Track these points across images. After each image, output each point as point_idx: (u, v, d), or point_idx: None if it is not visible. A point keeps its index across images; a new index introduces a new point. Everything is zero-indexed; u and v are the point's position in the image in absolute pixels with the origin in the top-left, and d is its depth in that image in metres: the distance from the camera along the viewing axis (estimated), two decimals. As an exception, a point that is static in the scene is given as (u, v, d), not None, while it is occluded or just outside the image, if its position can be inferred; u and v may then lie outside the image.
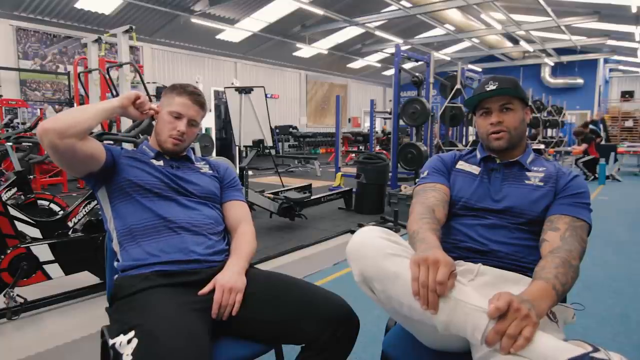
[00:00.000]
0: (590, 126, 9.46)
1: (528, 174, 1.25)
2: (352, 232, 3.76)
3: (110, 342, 1.02)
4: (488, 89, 1.23)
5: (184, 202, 1.30)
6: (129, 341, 0.97)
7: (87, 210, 2.58)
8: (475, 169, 1.31)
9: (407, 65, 7.15)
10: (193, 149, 1.50)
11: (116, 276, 1.23)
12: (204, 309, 1.10)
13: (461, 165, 1.35)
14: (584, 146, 8.82)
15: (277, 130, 12.87)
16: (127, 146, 1.87)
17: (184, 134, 1.33)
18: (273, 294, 1.17)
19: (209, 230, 1.29)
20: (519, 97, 1.24)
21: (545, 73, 17.85)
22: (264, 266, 1.30)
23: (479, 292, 0.92)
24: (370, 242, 0.99)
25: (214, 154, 7.40)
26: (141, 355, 0.94)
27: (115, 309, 1.14)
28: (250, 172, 5.70)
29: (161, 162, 1.35)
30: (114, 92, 5.31)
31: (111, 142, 2.48)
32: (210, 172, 1.43)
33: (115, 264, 1.25)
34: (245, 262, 1.25)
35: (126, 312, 1.07)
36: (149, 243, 1.19)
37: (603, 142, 10.33)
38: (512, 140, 1.24)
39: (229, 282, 1.14)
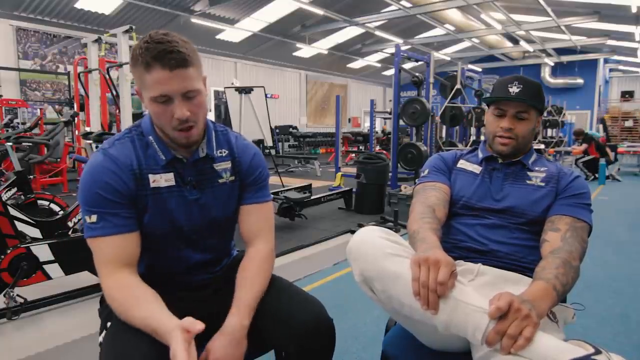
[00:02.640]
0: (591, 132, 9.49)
1: (530, 173, 1.25)
2: (352, 232, 3.76)
3: (99, 340, 1.01)
4: (511, 91, 1.19)
5: (195, 238, 1.11)
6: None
7: (87, 210, 2.58)
8: (477, 168, 1.31)
9: (407, 65, 7.16)
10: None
11: None
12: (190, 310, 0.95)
13: (462, 164, 1.34)
14: (584, 146, 8.84)
15: (277, 130, 12.87)
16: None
17: (188, 117, 0.98)
18: None
19: (217, 262, 1.19)
20: (536, 107, 1.22)
21: (545, 73, 17.87)
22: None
23: (479, 292, 0.92)
24: (371, 242, 0.99)
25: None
26: (108, 338, 0.94)
27: (102, 308, 1.10)
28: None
29: (171, 177, 1.05)
30: (114, 92, 5.31)
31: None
32: (232, 178, 1.13)
33: None
34: (247, 319, 0.99)
35: (109, 307, 1.02)
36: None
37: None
38: (518, 147, 1.24)
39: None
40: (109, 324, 0.98)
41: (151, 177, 1.03)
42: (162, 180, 1.04)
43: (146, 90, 0.97)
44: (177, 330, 0.83)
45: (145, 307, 0.92)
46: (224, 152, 1.13)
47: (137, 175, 1.02)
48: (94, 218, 0.98)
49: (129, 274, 0.98)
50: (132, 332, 0.90)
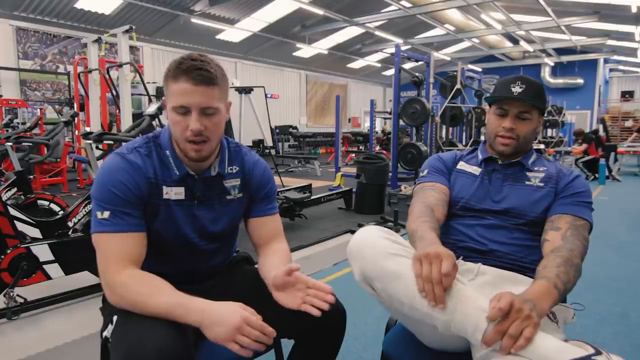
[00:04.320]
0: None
1: (529, 174, 1.25)
2: (353, 232, 3.75)
3: (104, 335, 1.02)
4: (513, 90, 1.18)
5: (199, 248, 1.15)
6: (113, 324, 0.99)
7: (87, 210, 2.58)
8: (476, 170, 1.31)
9: (407, 65, 7.16)
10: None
11: None
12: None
13: (462, 165, 1.34)
14: (584, 146, 8.84)
15: (277, 130, 12.87)
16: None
17: (202, 131, 1.01)
18: (258, 288, 1.11)
19: (218, 269, 1.24)
20: (538, 107, 1.21)
21: (545, 73, 17.86)
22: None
23: (479, 292, 0.93)
24: (371, 242, 0.99)
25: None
26: (118, 330, 0.95)
27: (106, 305, 1.11)
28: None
29: (182, 191, 1.10)
30: (114, 92, 5.31)
31: (111, 142, 2.48)
32: (240, 195, 1.18)
33: None
34: None
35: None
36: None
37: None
38: (519, 148, 1.24)
39: None
40: (115, 318, 0.99)
41: (165, 188, 1.08)
42: (173, 193, 1.09)
43: (169, 99, 1.02)
44: (236, 305, 0.91)
45: (169, 292, 0.95)
46: (235, 168, 1.18)
47: (153, 184, 1.07)
48: (106, 214, 1.00)
49: (139, 270, 1.01)
50: (146, 320, 0.92)
